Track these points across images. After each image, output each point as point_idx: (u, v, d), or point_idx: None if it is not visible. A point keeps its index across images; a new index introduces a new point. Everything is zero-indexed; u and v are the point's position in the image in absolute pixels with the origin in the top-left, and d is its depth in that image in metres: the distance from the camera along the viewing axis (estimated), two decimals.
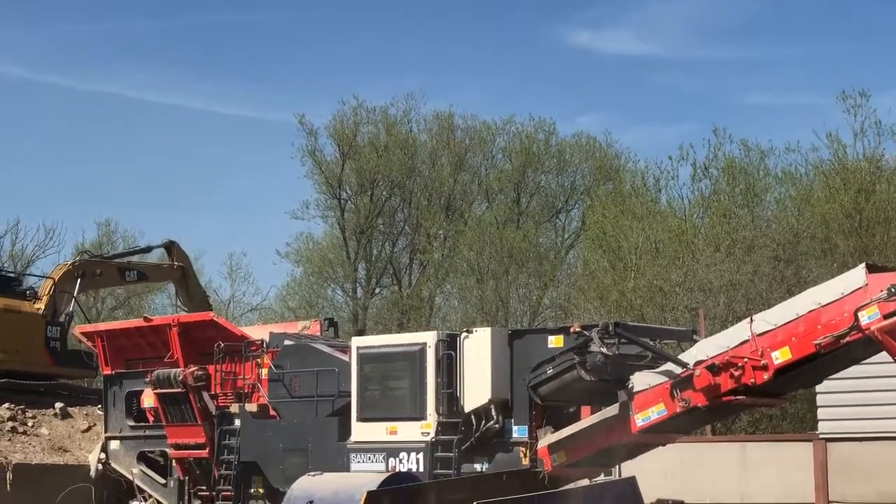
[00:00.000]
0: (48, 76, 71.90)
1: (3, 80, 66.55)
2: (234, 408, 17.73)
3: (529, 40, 65.81)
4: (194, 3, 71.30)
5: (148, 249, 28.59)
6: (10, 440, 21.37)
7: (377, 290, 47.16)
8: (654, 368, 14.26)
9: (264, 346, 17.72)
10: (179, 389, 18.05)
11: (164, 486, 19.08)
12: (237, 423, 17.65)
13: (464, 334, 15.52)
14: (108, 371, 19.82)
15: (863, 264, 13.12)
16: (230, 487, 17.57)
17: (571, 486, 15.45)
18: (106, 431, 20.09)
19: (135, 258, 27.94)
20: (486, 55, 67.00)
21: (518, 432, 15.11)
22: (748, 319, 13.66)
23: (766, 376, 13.30)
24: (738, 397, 13.67)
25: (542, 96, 66.37)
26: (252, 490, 17.41)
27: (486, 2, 66.16)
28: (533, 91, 66.37)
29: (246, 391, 17.71)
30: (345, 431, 16.23)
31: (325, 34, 69.74)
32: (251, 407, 17.49)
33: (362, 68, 67.50)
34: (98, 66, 72.23)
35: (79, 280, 24.87)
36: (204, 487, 18.21)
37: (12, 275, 27.75)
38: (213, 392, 18.07)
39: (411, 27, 67.71)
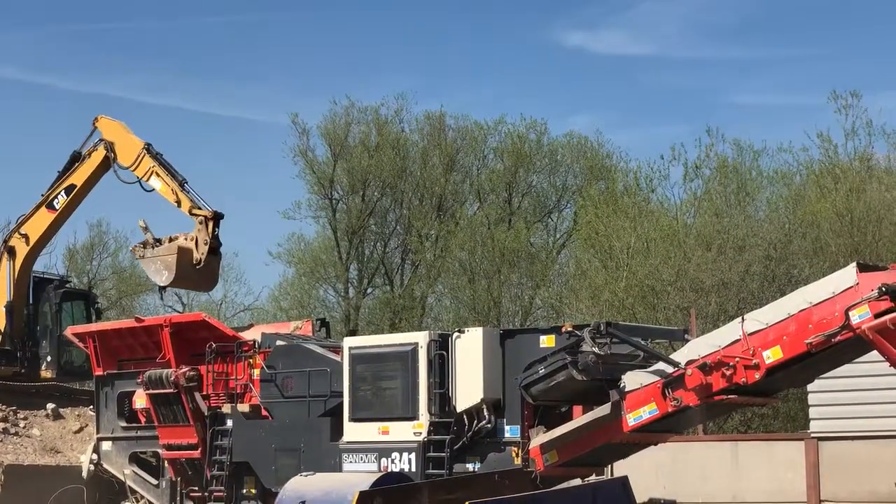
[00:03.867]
0: (44, 77, 71.86)
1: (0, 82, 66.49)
2: (227, 408, 17.74)
3: (522, 41, 65.90)
4: (188, 5, 71.30)
5: (77, 156, 22.89)
6: (1, 441, 21.33)
7: (369, 291, 47.08)
8: (645, 368, 14.28)
9: (256, 346, 17.72)
10: (171, 390, 18.05)
11: (157, 486, 19.09)
12: (229, 423, 17.66)
13: (456, 334, 15.53)
14: (99, 372, 19.80)
15: (854, 263, 13.15)
16: (222, 488, 17.57)
17: (563, 485, 15.46)
18: (98, 432, 20.09)
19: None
20: (478, 56, 67.05)
21: (510, 432, 15.13)
22: (739, 319, 13.68)
23: (757, 375, 13.34)
24: (729, 396, 13.72)
25: (535, 97, 66.41)
26: (244, 490, 17.41)
27: (479, 3, 66.22)
28: (525, 91, 66.43)
29: (238, 392, 17.72)
30: (337, 432, 16.24)
31: (318, 36, 69.80)
32: (243, 407, 17.50)
33: (355, 69, 67.57)
34: (93, 66, 72.20)
35: (9, 260, 23.75)
36: (196, 488, 18.22)
37: None
38: (205, 392, 18.08)
39: (404, 28, 67.76)
